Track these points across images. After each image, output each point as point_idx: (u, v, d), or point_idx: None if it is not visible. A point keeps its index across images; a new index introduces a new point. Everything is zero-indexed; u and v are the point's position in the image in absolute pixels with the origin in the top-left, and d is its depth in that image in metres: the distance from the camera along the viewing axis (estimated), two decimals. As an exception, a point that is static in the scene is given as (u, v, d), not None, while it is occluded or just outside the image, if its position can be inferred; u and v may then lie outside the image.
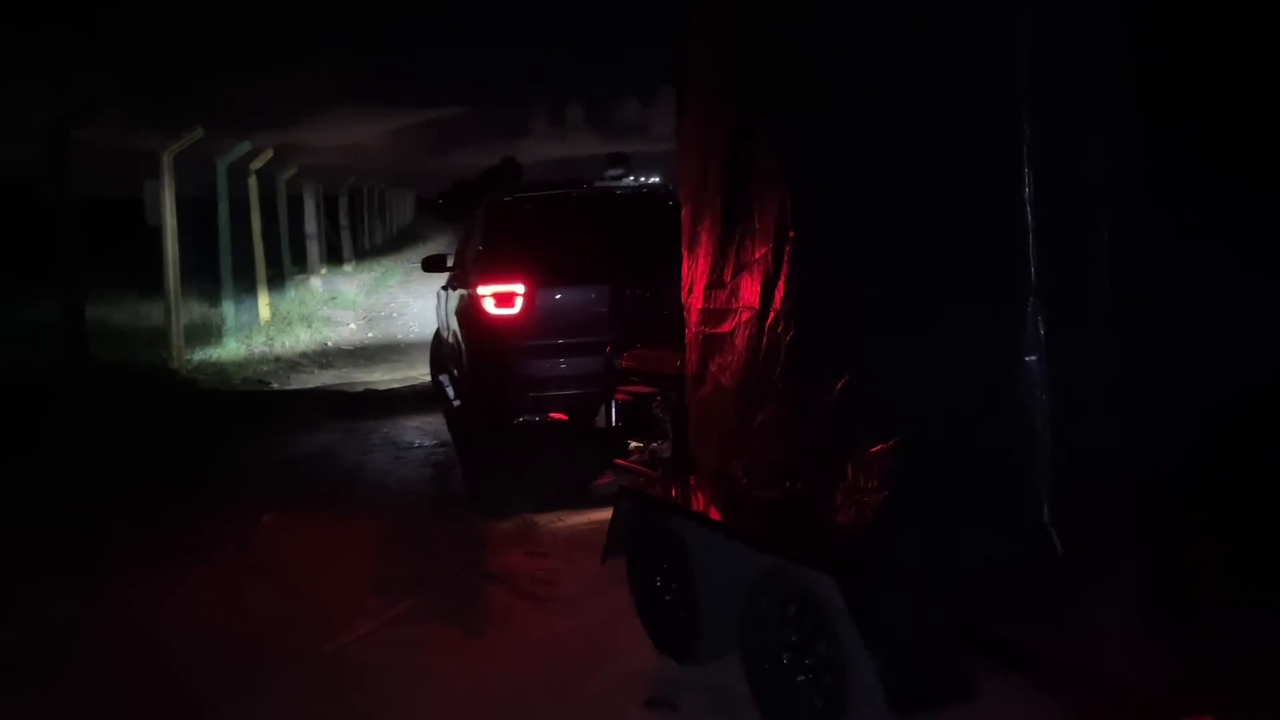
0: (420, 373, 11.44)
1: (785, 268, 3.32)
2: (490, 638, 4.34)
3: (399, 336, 14.80)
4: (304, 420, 9.08)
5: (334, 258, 23.37)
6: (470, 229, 8.29)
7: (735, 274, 3.67)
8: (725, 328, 3.79)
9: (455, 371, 7.77)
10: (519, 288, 6.24)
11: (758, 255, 3.49)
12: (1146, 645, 2.52)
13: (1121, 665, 2.50)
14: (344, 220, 25.77)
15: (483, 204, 7.82)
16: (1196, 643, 2.57)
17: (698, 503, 3.90)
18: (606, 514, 5.79)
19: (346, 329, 15.48)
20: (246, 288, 14.24)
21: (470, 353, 6.58)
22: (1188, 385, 2.57)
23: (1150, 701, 2.42)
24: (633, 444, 5.35)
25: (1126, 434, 2.49)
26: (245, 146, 13.58)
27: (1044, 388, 2.45)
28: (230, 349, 12.50)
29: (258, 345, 13.03)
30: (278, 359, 12.45)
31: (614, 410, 5.21)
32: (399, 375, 11.51)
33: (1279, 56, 2.65)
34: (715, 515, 3.73)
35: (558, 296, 6.32)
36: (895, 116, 2.80)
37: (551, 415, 6.24)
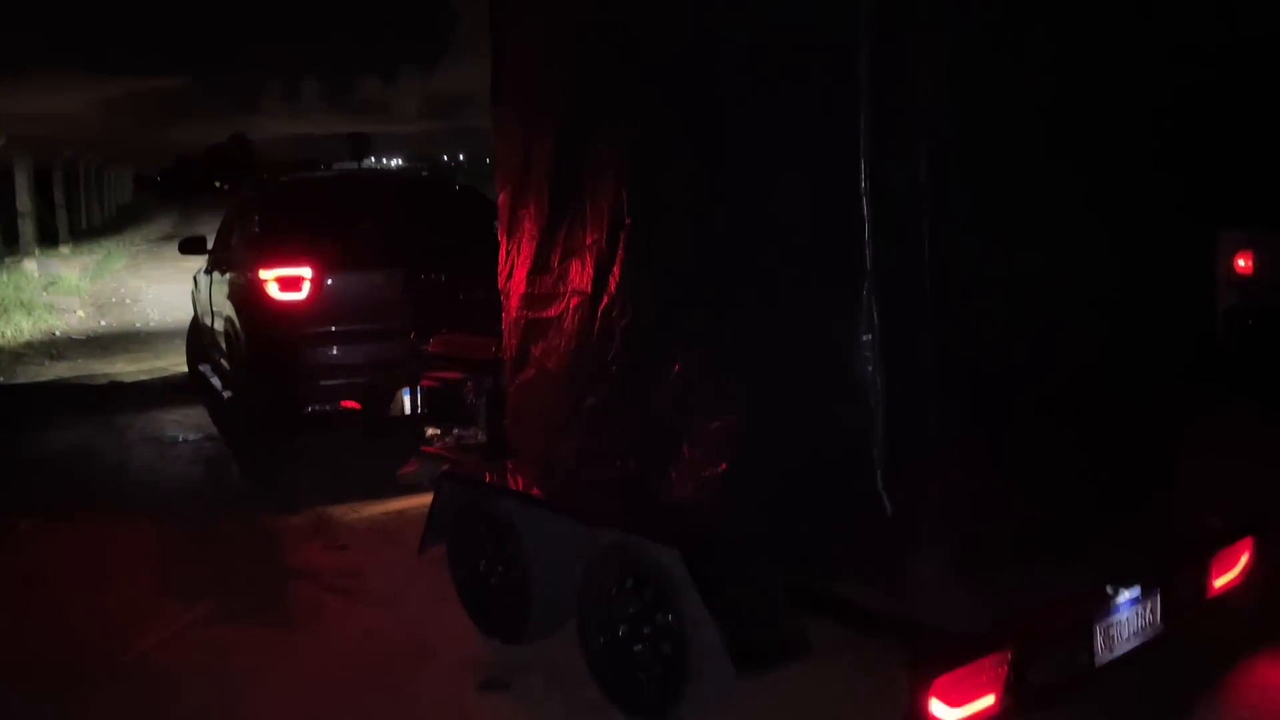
0: (169, 363, 10.68)
1: (621, 253, 3.42)
2: (305, 635, 4.18)
3: (137, 325, 13.68)
4: (46, 416, 8.26)
5: (48, 239, 21.20)
6: (239, 210, 7.82)
7: (564, 259, 3.73)
8: (551, 312, 3.84)
9: (225, 361, 7.33)
10: (305, 271, 5.97)
11: (589, 241, 3.58)
12: (960, 593, 2.84)
13: (940, 611, 2.80)
14: (59, 198, 23.45)
15: (255, 184, 7.41)
16: (1000, 590, 2.91)
17: (530, 485, 3.94)
18: (406, 503, 5.77)
19: (74, 316, 14.12)
20: (-51, 270, 12.70)
21: (251, 340, 6.24)
22: (999, 366, 2.91)
23: (964, 640, 2.72)
24: (430, 431, 5.29)
25: (948, 408, 2.78)
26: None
27: (878, 365, 2.69)
28: (-63, 339, 11.13)
29: (-31, 335, 11.67)
30: (-1, 349, 11.21)
31: (419, 397, 5.11)
32: (144, 366, 10.67)
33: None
34: (550, 497, 3.78)
35: (347, 281, 6.11)
36: (737, 107, 2.96)
37: (344, 404, 6.03)
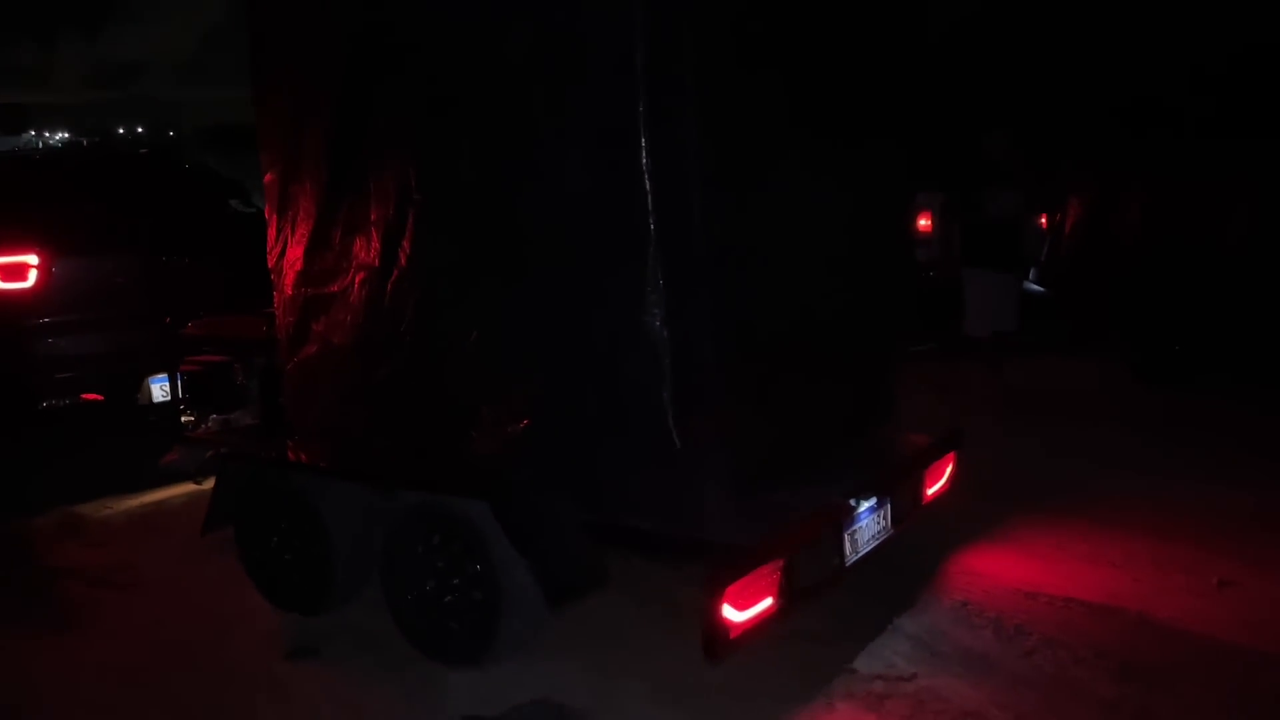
0: None
1: (410, 228, 3.58)
2: (88, 632, 4.03)
3: None
4: None
5: None
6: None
7: (346, 235, 3.82)
8: (334, 288, 3.93)
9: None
10: (31, 258, 5.56)
11: (374, 217, 3.70)
12: (736, 514, 3.30)
13: (722, 531, 3.23)
14: None
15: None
16: (765, 508, 3.40)
17: (324, 458, 4.02)
18: (163, 494, 5.60)
19: None
20: None
21: (-32, 335, 5.73)
22: (758, 316, 3.37)
23: (745, 553, 3.17)
24: (185, 418, 5.17)
25: (722, 355, 3.21)
26: None
27: (664, 320, 3.07)
28: None
29: None
30: None
31: (179, 382, 4.96)
32: None
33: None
34: (349, 467, 3.89)
35: (78, 266, 5.73)
36: (525, 88, 3.22)
37: (84, 396, 5.69)
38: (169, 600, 4.28)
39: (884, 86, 4.04)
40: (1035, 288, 8.52)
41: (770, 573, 3.14)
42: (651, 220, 3.03)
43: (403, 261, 3.63)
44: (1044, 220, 8.63)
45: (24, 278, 5.57)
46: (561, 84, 3.14)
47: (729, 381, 3.25)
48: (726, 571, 3.01)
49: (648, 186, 3.01)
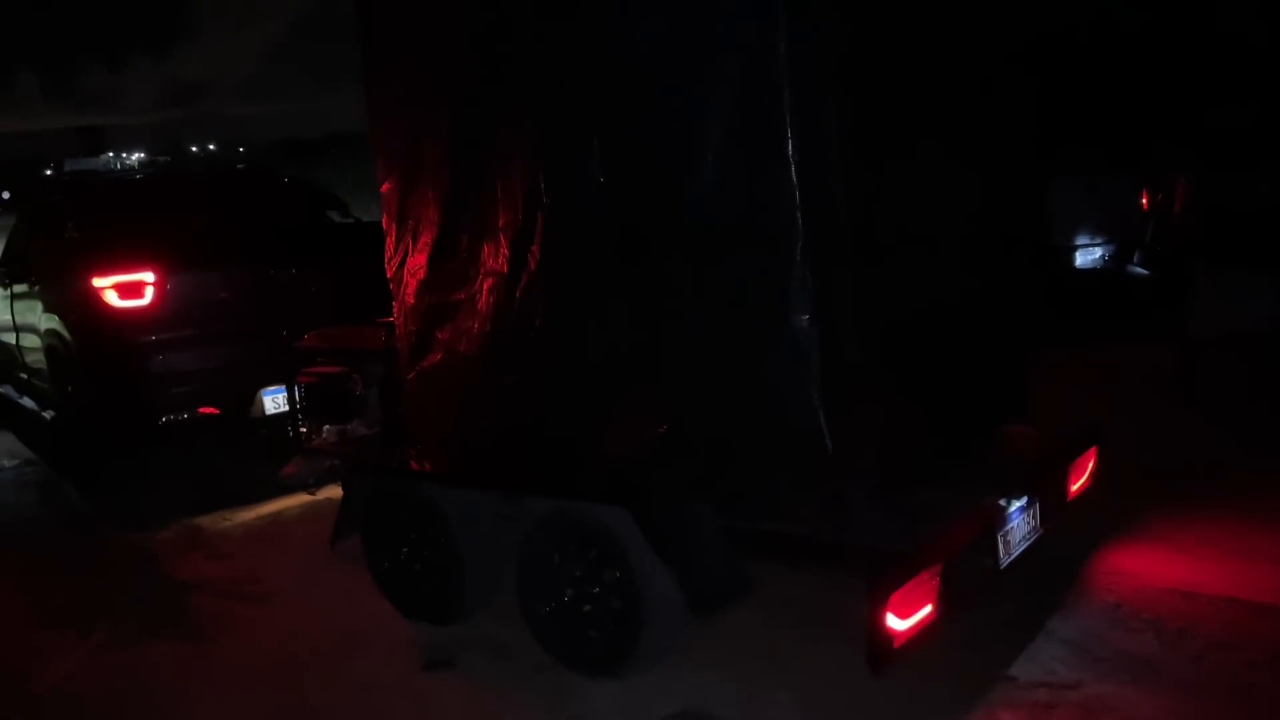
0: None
1: (539, 232, 3.53)
2: (222, 646, 4.06)
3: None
4: None
5: None
6: (36, 216, 7.24)
7: (473, 241, 3.79)
8: (460, 295, 3.90)
9: (39, 380, 6.82)
10: (147, 275, 5.65)
11: (502, 222, 3.66)
12: (889, 517, 3.18)
13: (876, 536, 3.12)
14: None
15: (52, 187, 6.90)
16: (917, 509, 3.28)
17: (452, 468, 3.99)
18: (279, 505, 5.66)
19: None
20: None
21: (89, 353, 5.84)
22: (902, 310, 3.25)
23: (906, 559, 3.05)
24: (302, 428, 5.20)
25: (870, 350, 3.10)
26: None
27: (813, 316, 2.97)
28: None
29: None
30: None
31: (298, 394, 4.99)
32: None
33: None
34: (480, 475, 3.85)
35: (191, 281, 5.82)
36: (659, 83, 3.14)
37: (201, 410, 5.77)
38: (300, 612, 4.29)
39: (1010, 70, 3.89)
40: None
41: (930, 578, 3.02)
42: (799, 215, 2.93)
43: (532, 266, 3.58)
44: None
45: (141, 295, 5.67)
46: (697, 78, 3.06)
47: (877, 379, 3.14)
48: (888, 578, 2.89)
49: (794, 181, 2.91)
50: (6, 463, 7.08)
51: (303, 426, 5.10)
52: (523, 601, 3.70)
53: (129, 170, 6.93)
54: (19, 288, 7.03)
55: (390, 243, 4.24)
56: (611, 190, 3.32)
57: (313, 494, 5.24)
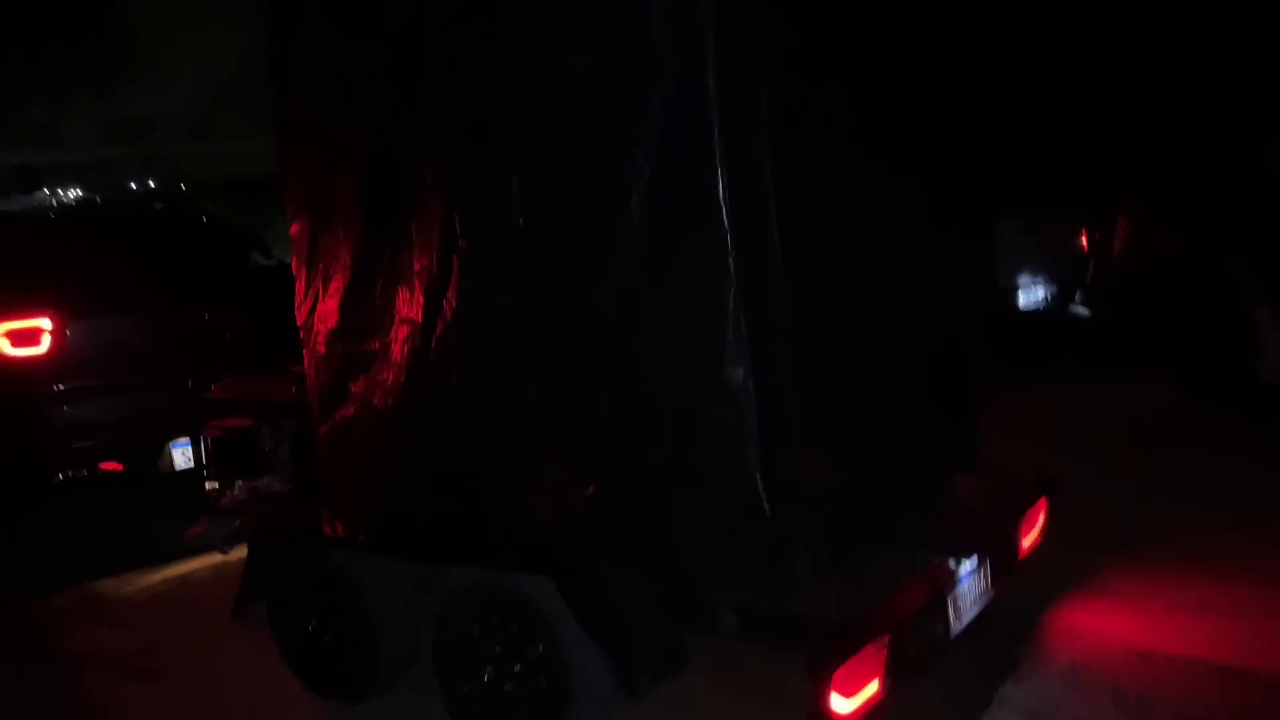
0: None
1: (455, 277, 3.28)
2: (113, 731, 3.70)
3: None
4: None
5: None
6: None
7: (387, 287, 3.52)
8: (374, 345, 3.62)
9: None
10: (44, 322, 5.28)
11: (417, 267, 3.40)
12: (833, 581, 2.95)
13: (816, 604, 2.89)
14: None
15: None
16: (861, 574, 3.05)
17: (363, 531, 3.69)
18: (185, 567, 5.29)
19: None
20: None
21: (-20, 404, 5.44)
22: (840, 361, 3.04)
23: (849, 631, 2.82)
24: (209, 485, 4.86)
25: (809, 406, 2.88)
26: None
27: (748, 371, 2.74)
28: None
29: None
30: None
31: (203, 448, 4.66)
32: None
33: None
34: (391, 541, 3.55)
35: (94, 327, 5.45)
36: (583, 124, 2.91)
37: (103, 465, 5.38)
38: (198, 691, 3.94)
39: (951, 108, 3.74)
40: None
41: (876, 651, 2.79)
42: (731, 261, 2.71)
43: (448, 314, 3.32)
44: None
45: (37, 342, 5.29)
46: (623, 116, 2.84)
47: (817, 436, 2.92)
48: (831, 654, 2.66)
49: (725, 225, 2.70)
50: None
51: (211, 483, 4.75)
52: (440, 679, 3.40)
53: (41, 209, 6.55)
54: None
55: (300, 287, 3.96)
56: (532, 235, 3.09)
57: (226, 554, 4.88)
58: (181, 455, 5.54)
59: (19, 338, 5.26)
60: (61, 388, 5.34)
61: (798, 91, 2.87)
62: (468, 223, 3.23)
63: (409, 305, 3.46)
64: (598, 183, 2.92)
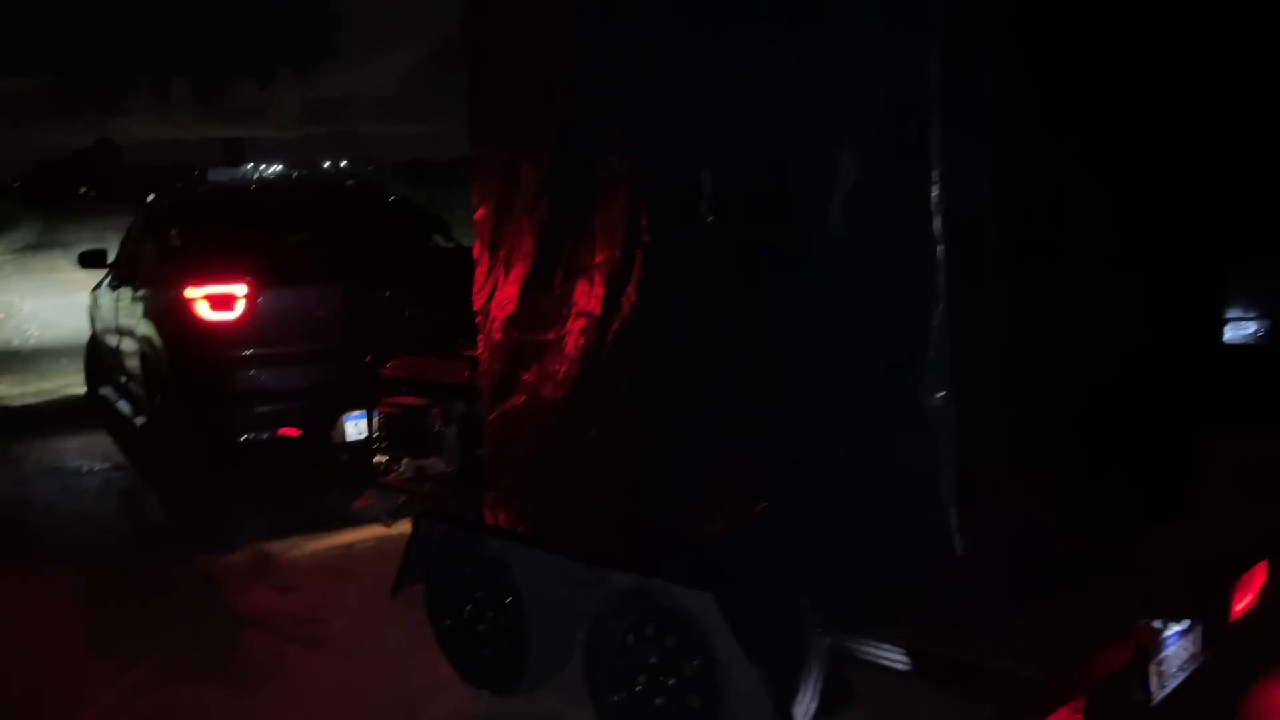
0: (57, 384, 9.95)
1: (638, 272, 3.16)
2: (269, 693, 3.78)
3: (15, 343, 12.75)
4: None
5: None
6: (150, 220, 7.25)
7: (567, 279, 3.44)
8: (549, 335, 3.56)
9: (137, 385, 6.76)
10: (239, 288, 5.50)
11: (598, 259, 3.31)
12: (1026, 633, 2.69)
13: (1008, 654, 2.63)
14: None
15: (168, 193, 6.88)
16: (1058, 627, 2.77)
17: (526, 523, 3.64)
18: (352, 536, 5.40)
19: (-58, 335, 13.07)
20: None
21: (177, 364, 5.71)
22: (1049, 390, 2.77)
23: (1038, 687, 2.57)
24: (378, 459, 4.93)
25: (1014, 436, 2.63)
26: None
27: (950, 395, 2.51)
28: None
29: None
30: None
31: (376, 424, 4.73)
32: (30, 389, 9.90)
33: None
34: (555, 537, 3.48)
35: (283, 297, 5.65)
36: (786, 116, 2.74)
37: (282, 431, 5.58)
38: (354, 662, 3.99)
39: (1202, 128, 3.36)
40: None
41: (1069, 715, 2.52)
42: (942, 278, 2.48)
43: (626, 309, 3.21)
44: None
45: (231, 308, 5.52)
46: (831, 116, 2.65)
47: (1020, 472, 2.66)
48: (1019, 712, 2.42)
49: (939, 236, 2.47)
50: (98, 466, 7.05)
51: (379, 458, 4.83)
52: (590, 684, 3.31)
53: (244, 181, 6.86)
54: (125, 291, 7.02)
55: (480, 273, 3.93)
56: (720, 234, 2.93)
57: (388, 527, 4.96)
58: (354, 427, 5.67)
59: (217, 302, 5.50)
60: (250, 353, 5.55)
61: (1027, 96, 2.61)
62: (654, 218, 3.11)
63: (587, 298, 3.37)
64: (797, 183, 2.73)
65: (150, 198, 7.55)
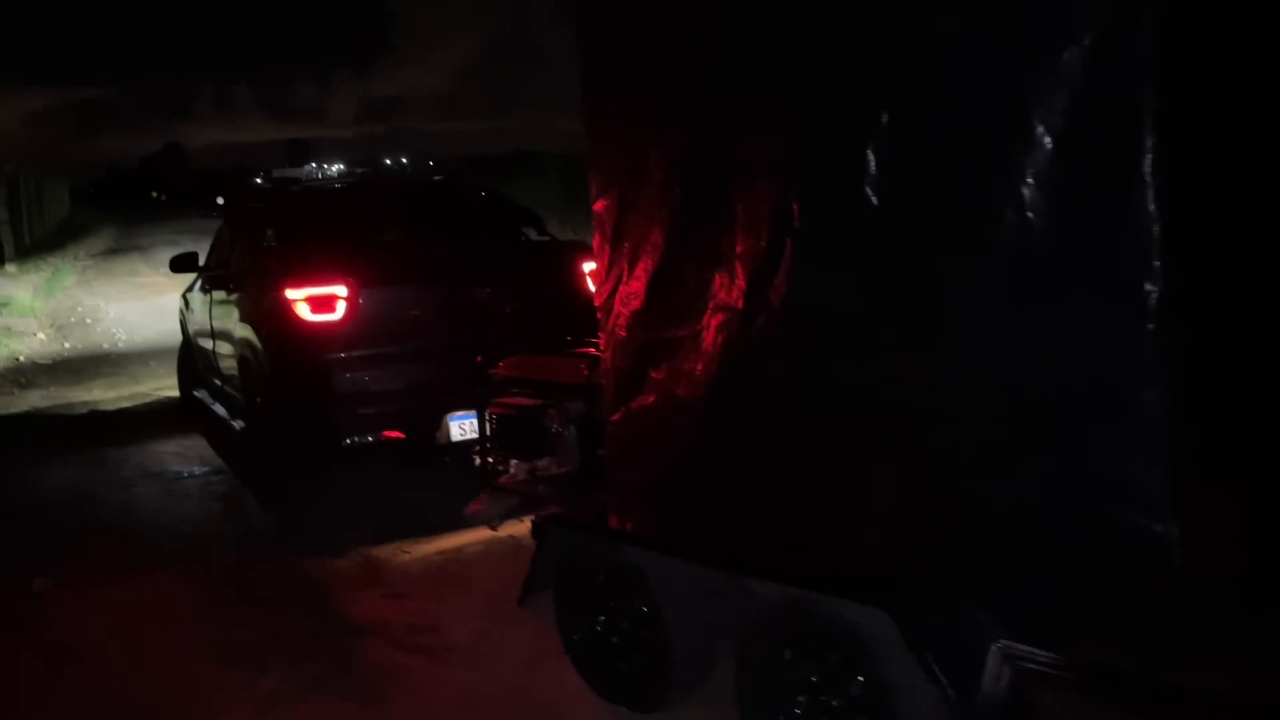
0: (149, 388, 10.03)
1: (787, 262, 2.94)
2: (399, 706, 3.64)
3: (104, 346, 12.91)
4: (29, 452, 7.57)
5: (-11, 257, 20.21)
6: (241, 223, 7.20)
7: (703, 270, 3.24)
8: (682, 331, 3.36)
9: (233, 389, 6.72)
10: (340, 289, 5.39)
11: (740, 249, 3.10)
12: (1247, 653, 2.42)
13: (1229, 679, 2.37)
14: (2, 213, 22.46)
15: (258, 194, 6.82)
16: (1268, 644, 2.50)
17: (662, 530, 3.45)
18: (459, 539, 5.27)
19: (35, 339, 13.29)
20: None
21: (277, 367, 5.62)
22: (1257, 384, 2.49)
23: (1255, 711, 2.31)
24: (480, 459, 4.79)
25: (1232, 438, 2.37)
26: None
27: (1165, 394, 2.26)
28: (-105, 369, 10.31)
29: (-72, 363, 10.84)
30: (-39, 379, 10.40)
31: (487, 425, 4.58)
32: (124, 392, 9.98)
33: None
34: (692, 544, 3.28)
35: (384, 297, 5.53)
36: (962, 95, 2.49)
37: (386, 433, 5.46)
38: (478, 674, 3.83)
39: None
40: None
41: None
42: (1158, 262, 2.23)
43: (774, 303, 2.99)
44: None
45: (333, 309, 5.41)
46: (1020, 79, 2.40)
47: (1247, 479, 2.39)
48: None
49: (1154, 215, 2.21)
50: (197, 470, 7.03)
51: (485, 458, 4.68)
52: (744, 705, 3.10)
53: (328, 179, 6.78)
54: (218, 294, 6.98)
55: (601, 267, 3.75)
56: (888, 217, 2.70)
57: (494, 530, 4.82)
58: (457, 428, 5.54)
59: (318, 304, 5.40)
60: (352, 355, 5.43)
61: (1249, 59, 2.33)
62: (807, 202, 2.88)
63: (727, 291, 3.16)
64: (980, 156, 2.49)
65: (219, 200, 7.52)
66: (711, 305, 3.23)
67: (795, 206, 2.91)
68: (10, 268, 21.01)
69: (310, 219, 6.43)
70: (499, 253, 6.30)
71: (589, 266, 6.14)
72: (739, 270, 3.11)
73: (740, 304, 3.12)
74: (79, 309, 16.39)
